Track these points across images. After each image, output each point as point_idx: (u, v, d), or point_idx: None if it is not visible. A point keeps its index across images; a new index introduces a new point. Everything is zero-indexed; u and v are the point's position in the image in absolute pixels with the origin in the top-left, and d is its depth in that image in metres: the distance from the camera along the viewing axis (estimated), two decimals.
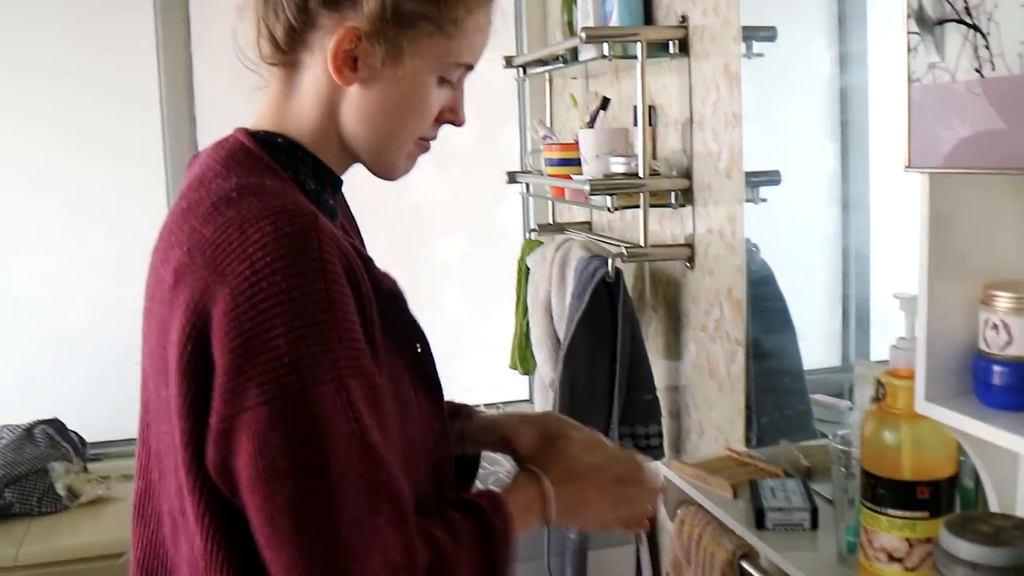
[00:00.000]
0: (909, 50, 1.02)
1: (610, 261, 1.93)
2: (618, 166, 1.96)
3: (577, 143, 2.17)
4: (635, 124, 2.04)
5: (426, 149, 1.09)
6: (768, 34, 1.83)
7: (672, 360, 2.09)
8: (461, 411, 1.25)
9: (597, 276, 1.95)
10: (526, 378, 2.98)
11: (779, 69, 1.87)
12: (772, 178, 1.88)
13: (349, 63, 0.98)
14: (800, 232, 1.96)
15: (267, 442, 0.85)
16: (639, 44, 1.86)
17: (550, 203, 2.61)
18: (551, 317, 2.18)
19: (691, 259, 1.95)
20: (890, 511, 1.17)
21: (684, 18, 1.89)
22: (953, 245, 1.07)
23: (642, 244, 1.93)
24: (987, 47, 0.92)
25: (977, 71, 0.93)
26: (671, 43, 1.90)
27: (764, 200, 1.88)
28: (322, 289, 0.88)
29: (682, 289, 2.01)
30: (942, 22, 0.97)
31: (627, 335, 1.95)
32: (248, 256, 0.87)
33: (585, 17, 2.04)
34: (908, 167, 1.05)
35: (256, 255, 0.87)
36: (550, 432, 1.18)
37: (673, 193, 1.95)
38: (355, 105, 1.01)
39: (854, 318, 2.03)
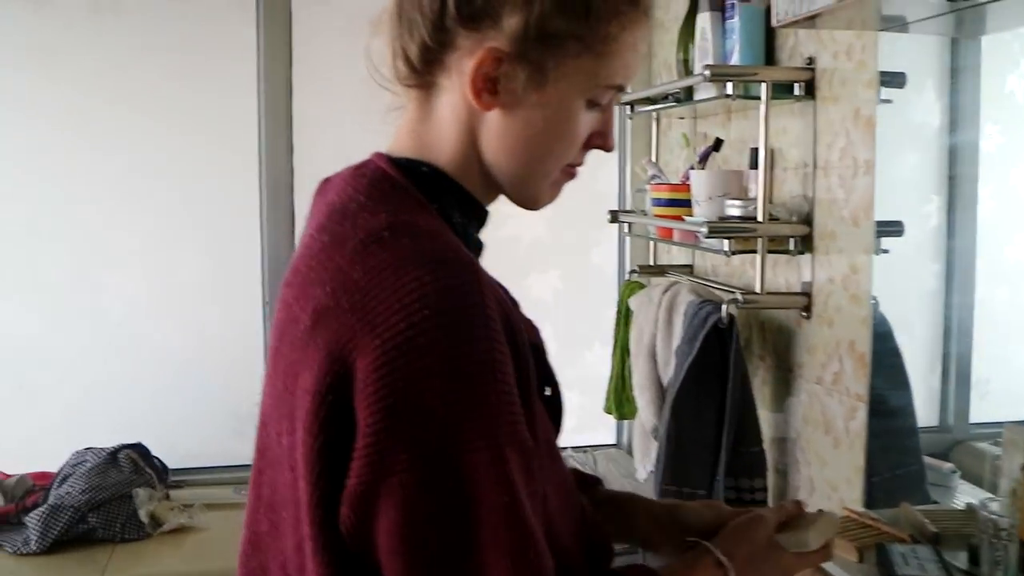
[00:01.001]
0: None
1: (724, 307, 1.88)
2: (734, 209, 1.90)
3: (687, 184, 2.12)
4: (750, 167, 1.99)
5: (573, 176, 1.01)
6: (898, 81, 1.77)
7: (780, 412, 2.01)
8: (587, 480, 1.19)
9: (709, 322, 1.89)
10: (612, 423, 2.92)
11: (898, 116, 1.82)
12: (895, 229, 1.82)
13: (489, 86, 0.91)
14: (910, 286, 1.90)
15: (414, 511, 0.79)
16: (763, 85, 1.81)
17: (651, 244, 2.56)
18: (655, 362, 2.12)
19: (807, 308, 1.88)
20: None
21: (811, 60, 1.84)
22: None
23: (758, 291, 1.87)
24: None
25: None
26: (796, 85, 1.84)
27: (886, 251, 1.81)
28: (484, 349, 0.81)
29: (796, 339, 1.94)
30: None
31: (737, 384, 1.89)
32: (404, 307, 0.80)
33: (704, 55, 2.00)
34: None
35: (413, 306, 0.79)
36: (736, 516, 1.10)
37: (792, 240, 1.88)
38: (496, 132, 0.94)
39: (954, 377, 1.95)
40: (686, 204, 2.10)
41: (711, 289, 2.11)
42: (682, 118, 2.46)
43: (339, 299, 0.83)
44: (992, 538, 1.23)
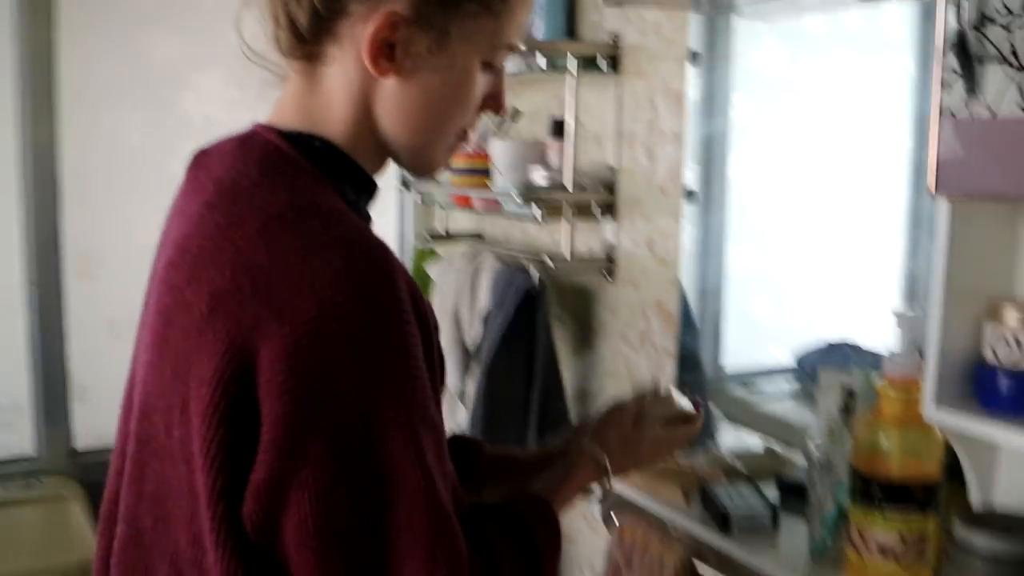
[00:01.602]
0: (944, 85, 1.10)
1: (536, 273, 1.95)
2: (540, 179, 1.98)
3: (483, 153, 2.17)
4: (553, 137, 2.07)
5: (467, 140, 1.00)
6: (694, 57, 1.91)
7: (584, 370, 2.13)
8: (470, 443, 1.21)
9: (521, 288, 1.96)
10: None
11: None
12: (692, 197, 1.97)
13: (386, 52, 0.87)
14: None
15: (330, 499, 0.77)
16: (571, 59, 1.89)
17: (436, 212, 2.60)
18: (459, 327, 2.16)
19: (611, 271, 2.00)
20: (887, 510, 1.25)
21: (616, 36, 1.94)
22: (962, 266, 1.17)
23: (568, 257, 1.97)
24: None
25: (1021, 108, 1.03)
26: (601, 59, 1.94)
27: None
28: (396, 333, 0.79)
29: (599, 301, 2.06)
30: (983, 61, 1.07)
31: (546, 345, 1.98)
32: (314, 291, 0.77)
33: None
34: (935, 192, 1.14)
35: (324, 291, 0.77)
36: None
37: (596, 207, 1.99)
38: (393, 99, 0.90)
39: (710, 329, 2.16)
40: (484, 173, 2.15)
41: (515, 256, 2.18)
42: None
43: (240, 283, 0.79)
44: (819, 471, 1.39)
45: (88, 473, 2.45)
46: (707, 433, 1.96)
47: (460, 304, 2.16)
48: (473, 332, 2.12)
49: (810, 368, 1.89)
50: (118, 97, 2.46)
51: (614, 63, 1.94)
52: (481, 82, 0.93)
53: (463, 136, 0.98)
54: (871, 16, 1.70)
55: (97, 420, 2.50)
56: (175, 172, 2.61)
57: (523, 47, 0.98)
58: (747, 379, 2.18)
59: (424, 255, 2.44)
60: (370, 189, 0.97)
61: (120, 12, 2.44)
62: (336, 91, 0.91)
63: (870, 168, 1.73)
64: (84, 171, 2.45)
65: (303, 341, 0.76)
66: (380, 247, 0.82)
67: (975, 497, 1.27)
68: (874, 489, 1.27)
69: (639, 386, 1.21)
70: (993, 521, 1.15)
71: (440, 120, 0.93)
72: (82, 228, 2.47)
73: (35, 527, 2.36)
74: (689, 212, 1.98)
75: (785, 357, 2.00)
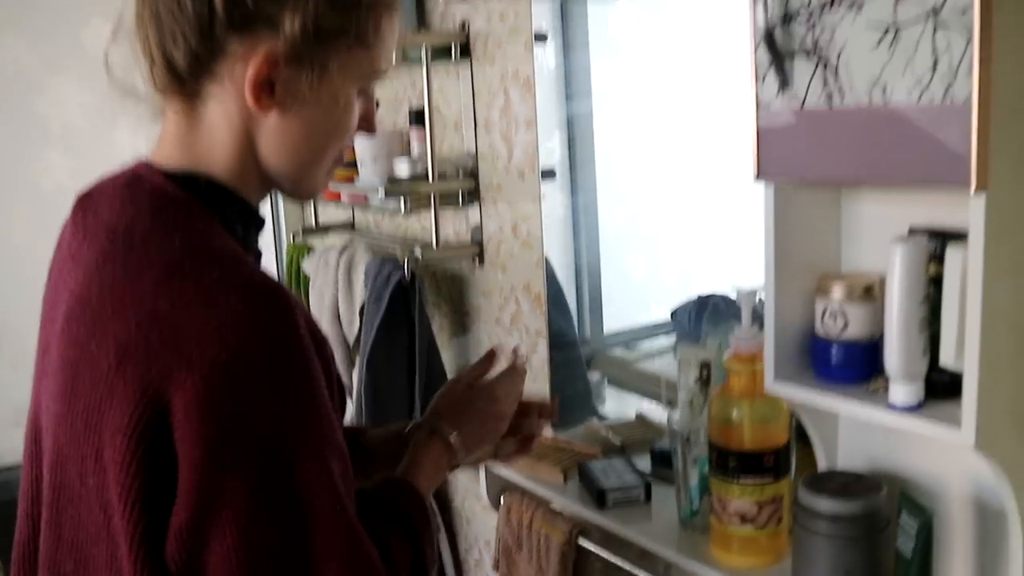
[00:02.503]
0: (758, 77, 1.15)
1: (406, 263, 1.97)
2: (403, 169, 1.99)
3: (349, 146, 2.16)
4: (411, 125, 2.07)
5: (342, 162, 1.03)
6: (540, 37, 1.93)
7: (462, 354, 2.16)
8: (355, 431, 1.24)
9: (392, 279, 1.98)
10: None
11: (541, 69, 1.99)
12: (549, 175, 2.00)
13: (267, 89, 0.90)
14: (551, 219, 2.07)
15: (251, 533, 0.80)
16: (423, 48, 1.90)
17: (311, 206, 2.58)
18: (340, 322, 2.17)
19: (480, 256, 2.03)
20: (741, 479, 1.32)
21: (465, 24, 1.95)
22: (788, 246, 1.23)
23: (434, 245, 1.99)
24: (836, 80, 1.07)
25: (827, 100, 1.08)
26: (453, 47, 1.95)
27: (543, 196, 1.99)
28: (300, 370, 0.83)
29: (470, 285, 2.09)
30: (791, 55, 1.11)
31: (424, 334, 2.00)
32: (220, 337, 0.79)
33: None
34: (757, 177, 1.19)
35: (228, 336, 0.79)
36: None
37: (460, 193, 2.01)
38: (276, 133, 0.93)
39: (588, 294, 2.22)
40: (350, 165, 2.15)
41: (386, 247, 2.19)
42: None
43: (146, 334, 0.81)
44: (682, 444, 1.45)
45: None
46: (587, 409, 2.02)
47: (338, 299, 2.17)
48: (353, 326, 2.13)
49: (684, 322, 1.96)
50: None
51: (465, 50, 1.95)
52: (356, 107, 0.97)
53: (340, 159, 1.01)
54: None
55: None
56: (35, 179, 2.54)
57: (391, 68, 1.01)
58: (628, 340, 2.25)
59: (298, 250, 2.43)
60: (258, 223, 0.99)
61: None
62: (217, 128, 0.93)
63: (730, 120, 1.78)
64: None
65: (213, 386, 0.79)
66: (277, 288, 0.85)
67: (820, 460, 1.34)
68: (728, 460, 1.34)
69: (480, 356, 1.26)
70: (832, 483, 1.23)
71: (322, 148, 0.96)
72: None
73: None
74: (554, 188, 2.02)
75: (662, 314, 2.07)
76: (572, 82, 2.04)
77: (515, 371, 1.23)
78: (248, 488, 0.80)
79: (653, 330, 2.19)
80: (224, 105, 0.91)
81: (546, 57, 1.97)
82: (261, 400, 0.80)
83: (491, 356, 1.27)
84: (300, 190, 1.00)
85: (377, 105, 2.19)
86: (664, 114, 1.99)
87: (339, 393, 0.98)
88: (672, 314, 1.97)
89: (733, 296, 1.36)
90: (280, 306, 0.83)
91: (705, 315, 1.84)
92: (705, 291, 1.88)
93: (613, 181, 2.11)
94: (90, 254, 0.89)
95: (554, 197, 2.06)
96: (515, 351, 1.27)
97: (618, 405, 2.10)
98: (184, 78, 0.91)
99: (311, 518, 0.82)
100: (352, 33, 0.92)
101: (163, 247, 0.85)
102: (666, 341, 2.10)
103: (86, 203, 0.95)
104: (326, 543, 0.83)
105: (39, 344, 0.99)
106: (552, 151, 2.04)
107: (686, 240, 2.08)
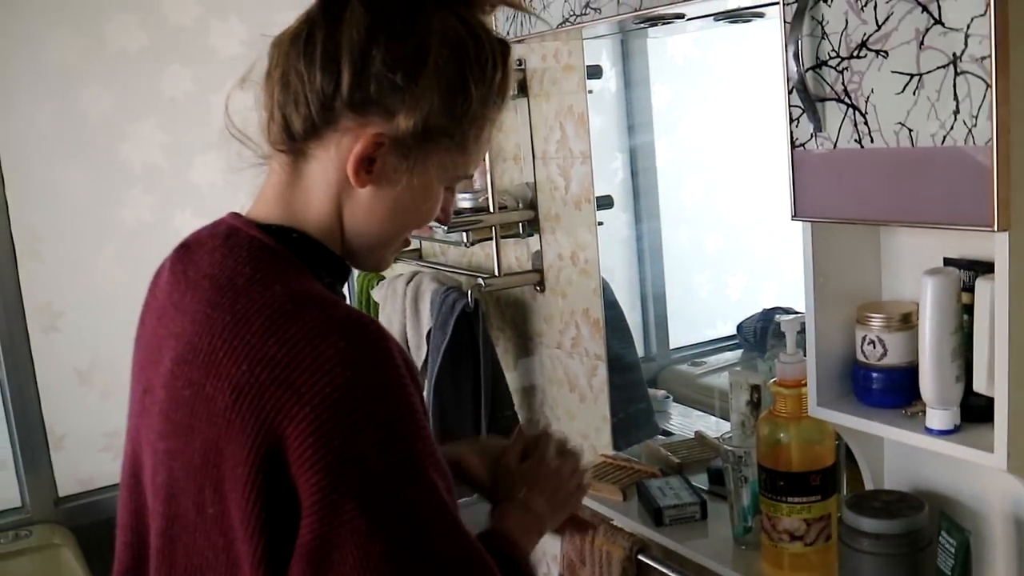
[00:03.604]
0: (792, 119, 1.22)
1: (469, 292, 2.06)
2: (466, 202, 2.08)
3: None
4: None
5: (408, 244, 1.13)
6: (594, 72, 2.01)
7: (526, 378, 2.25)
8: None
9: (457, 307, 2.07)
10: None
11: (597, 99, 2.06)
12: (606, 202, 2.08)
13: (366, 166, 0.98)
14: (614, 238, 2.14)
15: (370, 551, 0.87)
16: None
17: None
18: (408, 348, 2.27)
19: (541, 283, 2.12)
20: (789, 499, 1.39)
21: (521, 62, 2.04)
22: (828, 277, 1.29)
23: (496, 273, 2.08)
24: (866, 123, 1.13)
25: (857, 142, 1.15)
26: None
27: (601, 224, 2.07)
28: (400, 396, 0.90)
29: (532, 311, 2.18)
30: (823, 100, 1.18)
31: (488, 359, 2.09)
32: (326, 372, 0.87)
33: None
34: (794, 217, 1.25)
35: (335, 371, 0.87)
36: (489, 450, 1.26)
37: (520, 224, 2.10)
38: (363, 206, 1.01)
39: (653, 311, 2.27)
40: None
41: (451, 275, 2.29)
42: None
43: (258, 375, 0.89)
44: (734, 464, 1.52)
45: (74, 518, 2.56)
46: (649, 428, 2.09)
47: (406, 326, 2.27)
48: (421, 351, 2.24)
49: (750, 335, 2.01)
50: (57, 154, 2.54)
51: (522, 87, 2.04)
52: (440, 200, 1.05)
53: (408, 240, 1.10)
54: None
55: (76, 466, 2.62)
56: (121, 218, 2.68)
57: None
58: (694, 357, 2.30)
59: (368, 279, 2.54)
60: (344, 274, 1.08)
61: (48, 72, 2.51)
62: (315, 188, 1.01)
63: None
64: (34, 227, 2.54)
65: (324, 416, 0.86)
66: (372, 323, 0.93)
67: (867, 480, 1.40)
68: (777, 480, 1.40)
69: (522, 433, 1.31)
70: (875, 502, 1.28)
71: (399, 229, 1.05)
72: (38, 283, 2.56)
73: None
74: (617, 210, 2.09)
75: (728, 330, 2.12)
76: (633, 109, 2.11)
77: (570, 453, 1.27)
78: (362, 509, 0.87)
79: (719, 345, 2.23)
80: (325, 169, 1.00)
81: (607, 86, 2.05)
82: (368, 426, 0.88)
83: (520, 432, 1.31)
84: (369, 262, 1.09)
85: None
86: (724, 136, 2.05)
87: (427, 416, 1.05)
88: (738, 328, 2.03)
89: (786, 319, 1.42)
90: (377, 340, 0.91)
91: (770, 328, 1.90)
92: (770, 305, 1.93)
93: (676, 202, 2.17)
94: (195, 303, 0.98)
95: (617, 219, 2.13)
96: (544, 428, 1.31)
97: (684, 422, 2.16)
98: (296, 138, 0.99)
99: (425, 536, 0.90)
100: (456, 138, 0.99)
101: (266, 294, 0.94)
102: (732, 356, 2.15)
103: (184, 254, 1.04)
104: (444, 556, 0.91)
105: (137, 383, 1.08)
106: (615, 173, 2.12)
107: (750, 257, 2.13)
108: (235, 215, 1.04)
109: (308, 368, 0.88)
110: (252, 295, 0.94)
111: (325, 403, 0.87)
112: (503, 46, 1.03)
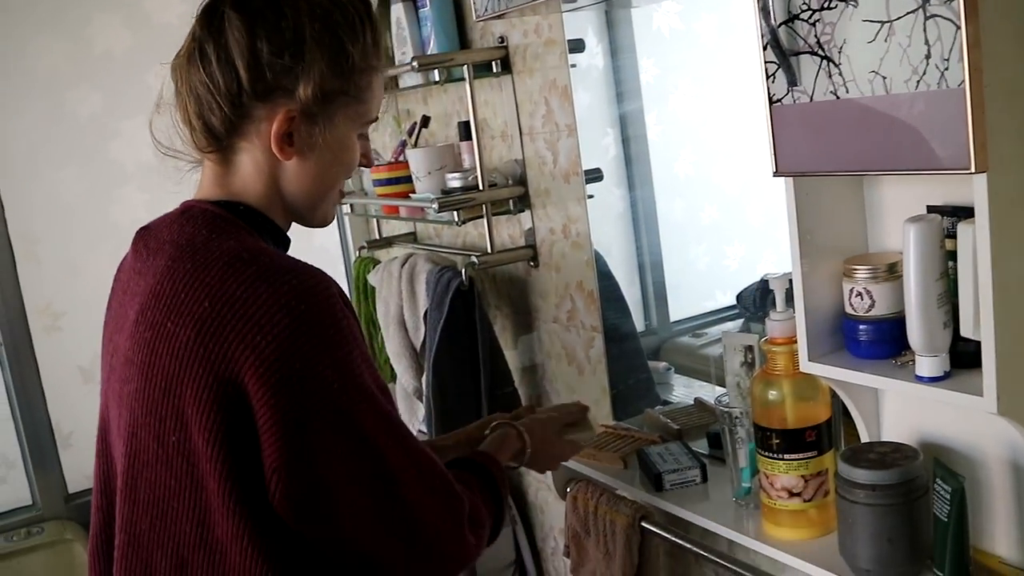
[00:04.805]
0: (768, 76, 1.22)
1: (463, 270, 2.06)
2: (455, 181, 2.08)
3: (402, 161, 2.28)
4: (460, 139, 2.17)
5: (343, 195, 1.30)
6: (579, 46, 2.01)
7: (525, 353, 2.25)
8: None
9: (452, 286, 2.08)
10: None
11: (581, 74, 2.06)
12: (596, 175, 2.08)
13: (287, 140, 1.12)
14: (607, 214, 2.15)
15: (332, 463, 1.00)
16: (465, 67, 1.99)
17: (372, 220, 2.71)
18: (405, 330, 2.28)
19: (534, 258, 2.12)
20: (785, 456, 1.39)
21: (503, 39, 2.04)
22: (814, 232, 1.29)
23: (489, 251, 2.08)
24: (840, 74, 1.13)
25: (833, 94, 1.15)
26: (493, 62, 2.04)
27: (591, 196, 2.07)
28: (346, 327, 1.04)
29: (528, 287, 2.18)
30: (797, 53, 1.18)
31: (485, 337, 2.10)
32: (282, 306, 0.99)
33: (402, 44, 2.14)
34: (776, 174, 1.25)
35: (290, 304, 0.99)
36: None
37: (511, 200, 2.10)
38: (294, 174, 1.16)
39: (651, 285, 2.27)
40: (407, 180, 2.25)
41: (445, 255, 2.30)
42: (385, 99, 2.60)
43: (220, 310, 1.01)
44: (730, 425, 1.52)
45: (84, 514, 2.57)
46: (649, 399, 2.09)
47: (403, 308, 2.28)
48: (419, 332, 2.24)
49: (749, 304, 2.01)
50: (50, 156, 2.55)
51: (505, 64, 2.04)
52: (357, 148, 1.21)
53: (343, 192, 1.28)
54: None
55: (85, 463, 2.62)
56: (116, 217, 2.70)
57: (380, 113, 1.25)
58: (695, 328, 2.30)
59: (364, 263, 2.55)
60: (285, 242, 1.22)
61: (36, 76, 2.52)
62: (247, 172, 1.16)
63: None
64: (30, 230, 2.55)
65: (282, 344, 0.98)
66: (317, 269, 1.06)
67: (863, 433, 1.40)
68: (772, 438, 1.40)
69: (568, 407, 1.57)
70: (870, 454, 1.28)
71: (330, 184, 1.20)
72: (37, 284, 2.58)
73: (42, 572, 2.49)
74: (610, 184, 2.09)
75: (727, 300, 2.12)
76: (621, 81, 2.10)
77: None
78: (324, 423, 1.00)
79: (719, 315, 2.24)
80: (252, 155, 1.14)
81: (593, 60, 2.05)
82: (323, 349, 1.00)
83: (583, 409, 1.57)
84: (314, 219, 1.22)
85: (428, 121, 2.30)
86: (713, 107, 2.04)
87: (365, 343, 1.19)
88: (737, 297, 2.03)
89: (774, 276, 1.42)
90: (323, 281, 1.04)
91: (770, 296, 1.90)
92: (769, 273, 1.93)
93: (669, 175, 2.17)
94: (156, 263, 1.10)
95: (611, 193, 2.13)
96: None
97: (686, 392, 2.16)
98: (220, 138, 1.13)
99: (379, 439, 1.05)
100: (350, 92, 1.14)
101: (223, 246, 1.07)
102: (732, 326, 2.15)
103: (145, 233, 1.17)
104: (404, 464, 1.07)
105: (106, 353, 1.19)
106: (607, 148, 2.11)
107: (746, 226, 2.13)
108: (190, 200, 1.17)
109: (266, 303, 1.00)
110: (211, 247, 1.07)
111: (283, 332, 0.99)
112: (364, 4, 1.16)
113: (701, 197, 2.19)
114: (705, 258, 2.26)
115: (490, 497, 1.24)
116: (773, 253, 2.03)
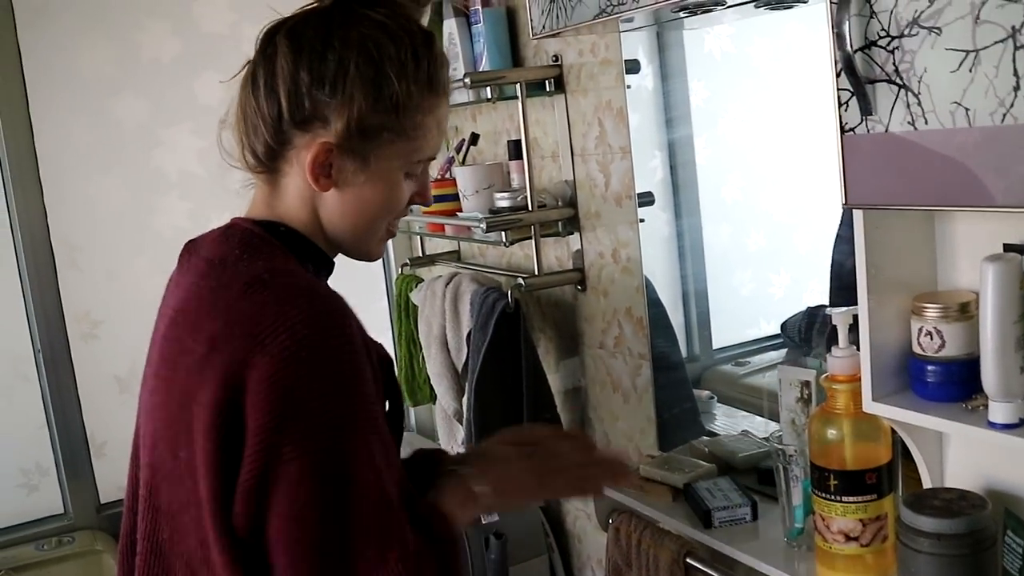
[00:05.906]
0: (840, 103, 1.17)
1: (509, 292, 2.03)
2: (503, 201, 2.05)
3: (448, 179, 2.25)
4: (509, 158, 2.14)
5: (393, 233, 1.25)
6: (632, 67, 1.97)
7: (568, 378, 2.21)
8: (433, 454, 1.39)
9: (497, 308, 2.04)
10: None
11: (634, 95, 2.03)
12: (647, 199, 2.04)
13: (324, 172, 1.12)
14: (654, 237, 2.11)
15: (299, 492, 0.97)
16: (518, 85, 1.96)
17: (415, 238, 2.68)
18: (447, 350, 2.24)
19: (582, 282, 2.08)
20: (844, 498, 1.34)
21: (557, 58, 2.01)
22: (882, 267, 1.24)
23: (536, 273, 2.04)
24: (919, 104, 1.08)
25: (910, 124, 1.10)
26: (547, 81, 2.01)
27: (642, 221, 2.03)
28: (349, 360, 1.01)
29: (574, 311, 2.14)
30: (873, 81, 1.13)
31: (529, 360, 2.06)
32: (287, 328, 0.98)
33: (454, 60, 2.12)
34: (846, 205, 1.20)
35: (296, 327, 0.99)
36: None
37: (560, 222, 2.06)
38: (332, 206, 1.15)
39: (695, 311, 2.22)
40: (453, 198, 2.22)
41: (490, 275, 2.26)
42: None
43: (232, 328, 1.01)
44: (784, 463, 1.47)
45: (116, 525, 2.54)
46: (695, 429, 2.04)
47: (446, 328, 2.24)
48: (461, 353, 2.20)
49: (794, 334, 1.96)
50: (93, 163, 2.54)
51: (559, 83, 2.01)
52: (407, 187, 1.18)
53: (391, 230, 1.22)
54: None
55: (117, 473, 2.60)
56: (158, 226, 2.69)
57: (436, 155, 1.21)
58: (738, 356, 2.25)
59: (406, 281, 2.52)
60: (328, 266, 1.20)
61: (83, 82, 2.52)
62: (292, 197, 1.16)
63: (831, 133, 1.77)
64: (71, 237, 2.54)
65: (281, 366, 0.97)
66: (336, 296, 1.06)
67: (925, 478, 1.34)
68: (830, 479, 1.35)
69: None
70: (934, 501, 1.23)
71: (369, 221, 1.17)
72: (77, 292, 2.57)
73: None
74: (657, 208, 2.05)
75: (771, 329, 2.07)
76: (671, 105, 2.07)
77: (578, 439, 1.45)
78: (298, 453, 0.97)
79: (763, 344, 2.19)
80: (295, 181, 1.14)
81: (644, 82, 2.01)
82: (316, 381, 0.98)
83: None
84: (357, 253, 1.21)
85: (477, 139, 2.27)
86: (764, 132, 2.00)
87: (391, 388, 1.16)
88: (782, 327, 1.98)
89: (837, 311, 1.37)
90: (337, 309, 1.04)
91: (815, 326, 1.85)
92: (814, 303, 1.88)
93: (716, 200, 2.13)
94: (189, 279, 1.12)
95: (658, 217, 2.09)
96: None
97: (729, 422, 2.11)
98: (264, 161, 1.15)
99: (351, 487, 0.99)
100: (395, 129, 1.12)
101: (249, 267, 1.07)
102: (776, 355, 2.10)
103: (190, 247, 1.18)
104: (363, 510, 0.99)
105: (147, 365, 1.18)
106: (654, 171, 2.08)
107: (793, 254, 2.08)
108: (237, 217, 1.18)
109: (272, 323, 0.99)
110: (238, 268, 1.08)
111: (283, 354, 0.98)
112: (425, 36, 1.14)
113: (748, 223, 2.15)
114: (750, 285, 2.21)
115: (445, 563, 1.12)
116: (819, 283, 1.99)
